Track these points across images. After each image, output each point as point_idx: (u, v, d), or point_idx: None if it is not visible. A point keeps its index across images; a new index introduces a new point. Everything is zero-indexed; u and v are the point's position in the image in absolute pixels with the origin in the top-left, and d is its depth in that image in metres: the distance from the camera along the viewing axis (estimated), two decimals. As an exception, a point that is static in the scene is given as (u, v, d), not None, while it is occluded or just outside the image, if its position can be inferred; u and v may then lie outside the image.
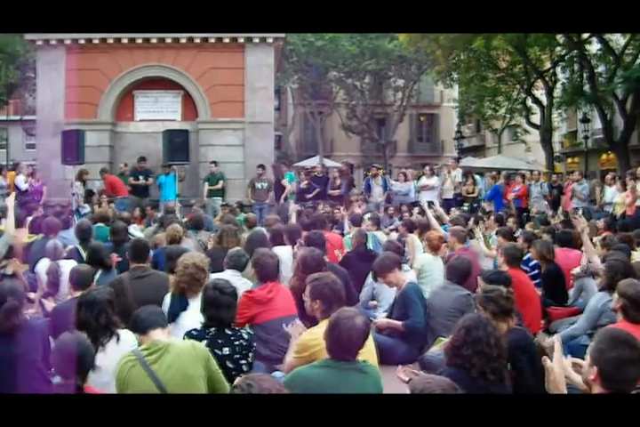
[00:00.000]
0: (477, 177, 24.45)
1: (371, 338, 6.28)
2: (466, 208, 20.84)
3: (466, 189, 22.81)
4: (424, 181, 22.74)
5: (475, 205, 22.32)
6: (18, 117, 51.14)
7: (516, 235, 13.84)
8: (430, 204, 16.09)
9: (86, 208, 18.91)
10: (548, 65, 34.99)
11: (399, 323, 8.92)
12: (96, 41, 22.00)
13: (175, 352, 5.40)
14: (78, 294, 7.05)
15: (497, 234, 12.81)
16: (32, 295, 9.42)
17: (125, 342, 6.20)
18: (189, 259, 7.81)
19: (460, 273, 8.95)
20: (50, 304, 8.96)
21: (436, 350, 7.90)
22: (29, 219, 13.48)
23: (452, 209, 18.70)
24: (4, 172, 23.53)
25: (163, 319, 5.91)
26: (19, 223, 11.13)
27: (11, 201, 10.44)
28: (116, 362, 5.62)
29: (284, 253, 10.31)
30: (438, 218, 13.99)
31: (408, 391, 4.02)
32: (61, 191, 20.99)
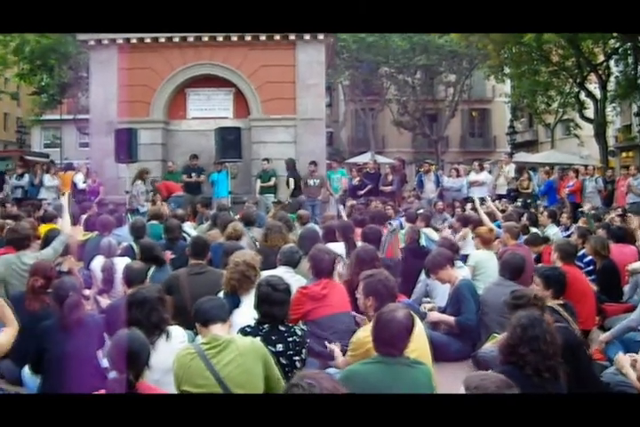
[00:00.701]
0: (530, 172, 24.26)
1: (424, 335, 6.27)
2: (519, 204, 20.71)
3: (520, 185, 22.66)
4: (473, 176, 22.65)
5: (529, 200, 22.15)
6: (71, 117, 51.58)
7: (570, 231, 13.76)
8: (483, 200, 16.00)
9: (145, 206, 19.05)
10: (601, 58, 34.50)
11: (451, 318, 8.89)
12: (148, 40, 22.18)
13: (235, 349, 5.41)
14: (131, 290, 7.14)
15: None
16: (87, 292, 9.51)
17: (175, 339, 6.25)
18: (240, 256, 7.85)
19: (513, 269, 8.86)
20: (104, 301, 9.07)
21: (490, 346, 7.85)
22: (84, 217, 13.63)
23: (503, 201, 18.60)
24: (52, 171, 23.82)
25: (225, 313, 5.88)
26: (74, 221, 11.24)
27: (66, 200, 10.55)
28: (165, 360, 5.66)
29: (337, 249, 10.29)
30: (490, 214, 13.90)
31: (462, 388, 4.00)
32: (115, 189, 21.24)
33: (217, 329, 5.64)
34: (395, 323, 5.18)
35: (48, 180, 22.72)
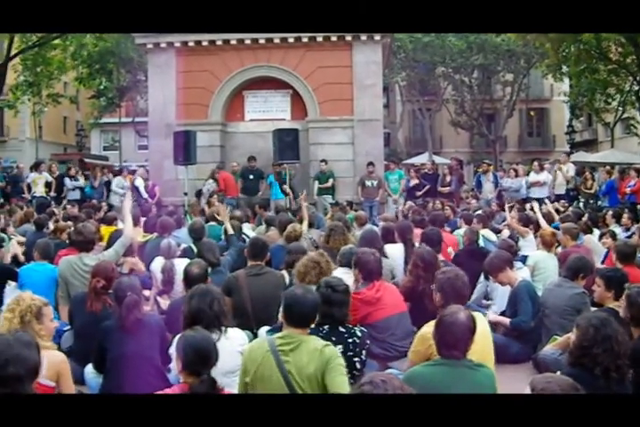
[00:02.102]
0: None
1: (488, 336, 6.21)
2: (580, 204, 20.56)
3: (584, 185, 22.51)
4: (533, 177, 22.45)
5: (591, 201, 21.94)
6: (130, 119, 52.24)
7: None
8: (541, 202, 15.89)
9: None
10: (661, 55, 34.00)
11: (507, 320, 8.82)
12: (205, 43, 22.39)
13: (305, 351, 5.36)
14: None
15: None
16: (147, 293, 9.58)
17: (234, 340, 6.22)
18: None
19: (575, 270, 8.75)
20: (164, 302, 9.13)
21: (550, 348, 7.78)
22: (144, 219, 13.74)
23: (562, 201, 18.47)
24: (124, 173, 24.10)
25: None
26: (134, 223, 11.33)
27: (128, 203, 10.62)
28: (224, 362, 5.63)
29: (396, 250, 10.26)
30: (548, 215, 13.78)
31: (526, 390, 3.97)
32: (173, 191, 21.43)
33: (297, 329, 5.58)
34: (457, 325, 5.12)
35: (118, 183, 22.89)
